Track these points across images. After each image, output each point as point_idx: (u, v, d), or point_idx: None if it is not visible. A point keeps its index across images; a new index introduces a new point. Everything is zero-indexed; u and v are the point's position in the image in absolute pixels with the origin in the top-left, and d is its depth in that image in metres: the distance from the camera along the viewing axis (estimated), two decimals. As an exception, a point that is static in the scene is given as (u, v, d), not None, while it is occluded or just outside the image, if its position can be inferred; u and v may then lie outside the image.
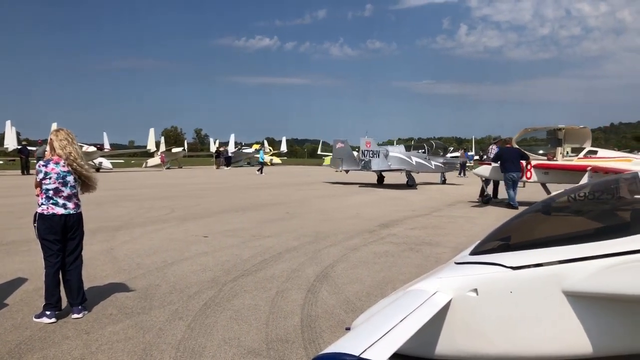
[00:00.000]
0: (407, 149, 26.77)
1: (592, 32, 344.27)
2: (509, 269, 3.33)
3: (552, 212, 4.37)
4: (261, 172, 37.52)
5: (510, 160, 15.25)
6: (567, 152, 16.53)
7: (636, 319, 2.99)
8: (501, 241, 3.84)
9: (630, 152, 27.79)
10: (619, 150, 23.70)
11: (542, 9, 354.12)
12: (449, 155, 30.46)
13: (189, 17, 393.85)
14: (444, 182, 28.04)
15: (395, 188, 23.80)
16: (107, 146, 46.78)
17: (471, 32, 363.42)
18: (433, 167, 25.94)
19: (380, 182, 26.38)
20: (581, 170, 14.68)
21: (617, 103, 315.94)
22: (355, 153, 26.50)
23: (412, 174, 25.03)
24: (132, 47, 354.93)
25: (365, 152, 24.46)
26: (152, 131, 49.91)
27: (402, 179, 25.92)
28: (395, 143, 39.03)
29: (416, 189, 23.61)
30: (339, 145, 26.26)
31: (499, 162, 15.53)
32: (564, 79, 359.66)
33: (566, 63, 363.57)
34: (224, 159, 50.95)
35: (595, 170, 14.30)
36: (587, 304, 3.09)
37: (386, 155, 24.74)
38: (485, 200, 16.94)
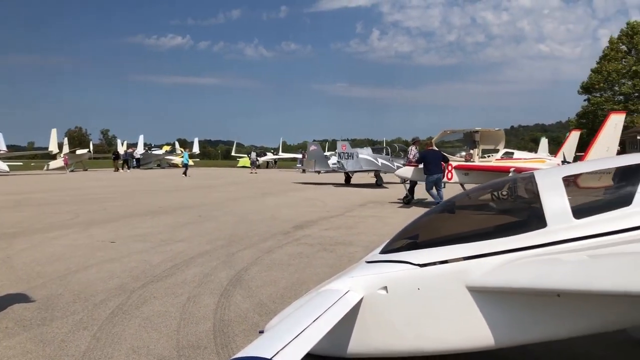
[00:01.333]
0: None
1: (495, 40, 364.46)
2: (417, 267, 3.44)
3: (457, 211, 4.57)
4: (185, 174, 37.79)
5: (433, 163, 15.43)
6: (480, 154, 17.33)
7: (534, 310, 3.19)
8: (409, 239, 3.96)
9: (529, 152, 30.01)
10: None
11: (449, 16, 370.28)
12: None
13: (97, 13, 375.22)
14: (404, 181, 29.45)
15: (317, 187, 24.00)
16: (2, 148, 43.71)
17: (383, 37, 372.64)
18: (395, 168, 27.20)
19: (347, 182, 28.32)
20: (504, 171, 15.26)
21: (516, 107, 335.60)
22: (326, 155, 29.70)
23: (380, 173, 26.93)
24: (35, 44, 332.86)
25: (341, 154, 26.83)
26: (54, 132, 47.28)
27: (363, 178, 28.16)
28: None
29: (386, 187, 25.03)
30: (312, 147, 29.06)
31: (424, 164, 15.60)
32: (469, 84, 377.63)
33: (471, 68, 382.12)
34: (125, 161, 48.98)
35: (519, 171, 14.95)
36: (489, 298, 3.26)
37: (357, 157, 26.80)
38: (406, 201, 17.07)
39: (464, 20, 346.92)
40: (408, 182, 17.23)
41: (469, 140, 17.52)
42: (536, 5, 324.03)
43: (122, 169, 47.09)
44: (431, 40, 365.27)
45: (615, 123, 17.57)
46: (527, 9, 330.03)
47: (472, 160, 16.92)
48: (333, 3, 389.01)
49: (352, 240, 9.66)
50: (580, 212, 3.41)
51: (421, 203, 16.77)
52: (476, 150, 17.09)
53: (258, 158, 54.75)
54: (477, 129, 17.26)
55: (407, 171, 16.91)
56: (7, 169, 36.71)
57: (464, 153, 17.45)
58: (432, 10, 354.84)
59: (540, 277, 3.02)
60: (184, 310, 5.35)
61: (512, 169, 15.26)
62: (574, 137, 31.49)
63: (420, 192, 17.25)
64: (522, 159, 18.22)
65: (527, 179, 4.08)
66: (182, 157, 45.52)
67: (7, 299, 5.66)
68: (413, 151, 18.81)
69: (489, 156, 17.74)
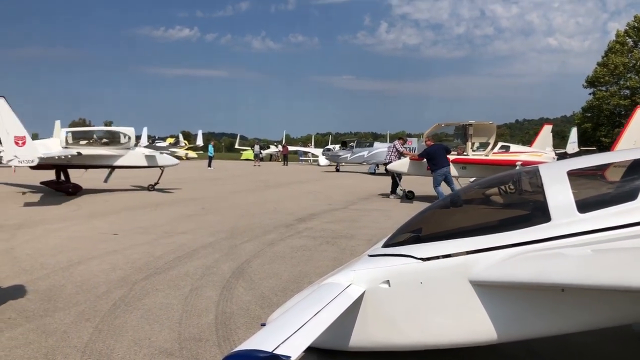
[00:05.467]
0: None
1: (504, 33, 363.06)
2: (419, 260, 3.42)
3: (461, 205, 4.55)
4: (209, 166, 38.14)
5: (440, 157, 14.89)
6: (475, 146, 17.14)
7: (537, 305, 3.17)
8: (412, 233, 3.94)
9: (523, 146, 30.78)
10: (522, 145, 25.58)
11: (458, 8, 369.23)
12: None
13: (104, 4, 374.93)
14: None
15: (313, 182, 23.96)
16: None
17: (391, 30, 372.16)
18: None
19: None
20: (511, 164, 14.95)
21: (522, 100, 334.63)
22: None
23: None
24: (40, 35, 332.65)
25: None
26: (58, 123, 47.15)
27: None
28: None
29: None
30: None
31: (430, 159, 14.98)
32: (476, 77, 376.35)
33: (479, 62, 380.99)
34: None
35: (526, 164, 14.73)
36: (492, 292, 3.23)
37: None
38: (409, 196, 16.49)
39: (473, 12, 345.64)
40: (398, 175, 16.79)
41: (461, 133, 17.22)
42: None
43: None
44: (439, 33, 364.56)
45: None
46: (537, 2, 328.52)
47: (465, 153, 16.63)
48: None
49: (355, 234, 9.65)
50: (584, 206, 3.38)
51: (424, 198, 16.58)
52: (468, 143, 16.84)
53: (262, 151, 54.78)
54: (470, 121, 16.91)
55: (403, 165, 16.56)
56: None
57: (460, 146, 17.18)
58: (441, 2, 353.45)
59: (544, 272, 3.00)
60: (186, 302, 5.35)
61: (518, 163, 15.00)
62: (546, 130, 32.67)
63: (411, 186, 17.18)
64: (518, 152, 18.05)
65: (532, 173, 4.05)
66: (182, 148, 45.30)
67: (10, 290, 5.68)
68: (397, 145, 18.31)
69: (483, 150, 17.45)
